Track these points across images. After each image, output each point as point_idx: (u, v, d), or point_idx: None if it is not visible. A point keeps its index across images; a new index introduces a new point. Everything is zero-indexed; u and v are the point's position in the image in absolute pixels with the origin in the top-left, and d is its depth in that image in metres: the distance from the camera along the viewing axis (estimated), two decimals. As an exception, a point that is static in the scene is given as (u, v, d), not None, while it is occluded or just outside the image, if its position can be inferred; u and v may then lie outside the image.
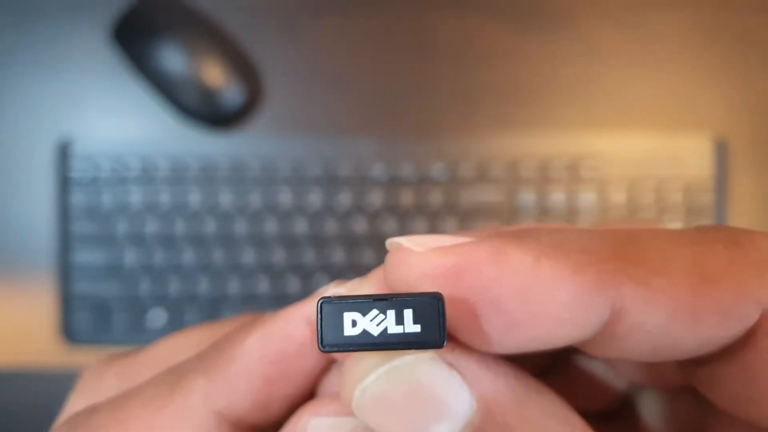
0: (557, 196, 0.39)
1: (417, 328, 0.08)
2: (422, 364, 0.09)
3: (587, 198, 0.39)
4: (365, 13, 0.41)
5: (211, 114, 0.39)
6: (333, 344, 0.09)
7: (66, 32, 0.41)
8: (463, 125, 0.41)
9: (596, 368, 0.12)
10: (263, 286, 0.39)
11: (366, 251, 0.39)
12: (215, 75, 0.39)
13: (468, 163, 0.39)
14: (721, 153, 0.40)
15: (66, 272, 0.39)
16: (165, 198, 0.39)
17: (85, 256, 0.39)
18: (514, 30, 0.41)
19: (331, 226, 0.39)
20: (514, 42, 0.41)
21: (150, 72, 0.39)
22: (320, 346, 0.09)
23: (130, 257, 0.39)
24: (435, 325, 0.08)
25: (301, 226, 0.39)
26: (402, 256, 0.09)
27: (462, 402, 0.08)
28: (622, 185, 0.39)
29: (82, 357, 0.40)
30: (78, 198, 0.39)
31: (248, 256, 0.39)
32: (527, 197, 0.39)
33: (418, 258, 0.09)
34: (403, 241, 0.09)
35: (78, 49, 0.41)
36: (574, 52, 0.41)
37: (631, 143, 0.40)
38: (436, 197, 0.39)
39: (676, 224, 0.39)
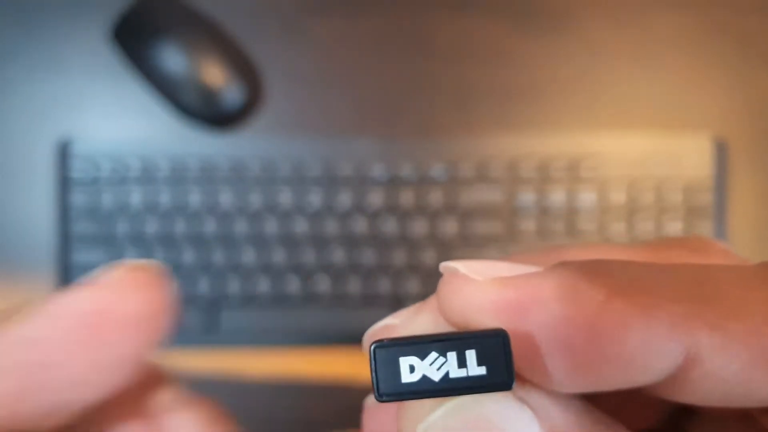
0: (557, 196, 0.39)
1: (482, 371, 0.08)
2: (491, 400, 0.08)
3: (587, 198, 0.39)
4: (365, 13, 0.42)
5: (211, 114, 0.39)
6: (391, 393, 0.08)
7: (66, 32, 0.41)
8: (463, 125, 0.41)
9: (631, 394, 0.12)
10: (263, 285, 0.39)
11: (366, 251, 0.39)
12: (215, 75, 0.39)
13: (468, 163, 0.39)
14: (721, 153, 0.40)
15: (66, 272, 0.39)
16: (165, 198, 0.39)
17: (85, 256, 0.39)
18: (513, 30, 0.42)
19: (331, 226, 0.39)
20: (514, 42, 0.42)
21: (150, 72, 0.39)
22: (377, 396, 0.08)
23: (130, 257, 0.39)
24: (502, 366, 0.08)
25: (301, 226, 0.39)
26: (458, 285, 0.08)
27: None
28: (622, 185, 0.40)
29: None
30: (78, 198, 0.39)
31: (248, 256, 0.39)
32: (527, 197, 0.39)
33: (478, 289, 0.08)
34: (460, 267, 0.09)
35: (78, 49, 0.41)
36: (573, 52, 0.42)
37: (630, 143, 0.40)
38: (435, 197, 0.39)
39: (675, 224, 0.39)
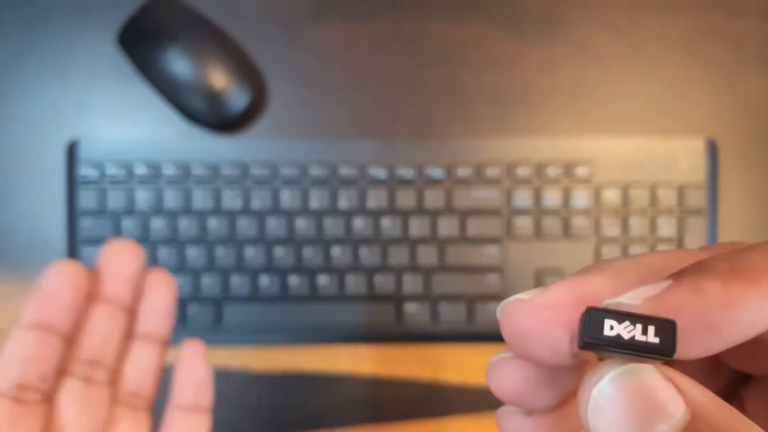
0: (553, 199, 0.40)
1: (656, 340, 0.11)
2: (646, 372, 0.11)
3: (582, 200, 0.40)
4: (365, 20, 0.42)
5: (215, 117, 0.40)
6: (593, 340, 0.11)
7: (73, 37, 0.41)
8: (461, 128, 0.42)
9: (701, 361, 0.14)
10: (266, 284, 0.39)
11: (366, 250, 0.40)
12: (220, 79, 0.39)
13: (466, 165, 0.40)
14: (713, 155, 0.40)
15: None
16: (170, 199, 0.39)
17: (93, 256, 0.39)
18: (510, 36, 0.42)
19: (332, 226, 0.40)
20: (511, 48, 0.42)
21: (156, 76, 0.40)
22: (582, 342, 0.11)
23: None
24: (670, 339, 0.11)
25: (303, 226, 0.40)
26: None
27: (678, 407, 0.10)
28: (617, 187, 0.40)
29: None
30: (85, 198, 0.40)
31: (251, 255, 0.39)
32: (524, 199, 0.40)
33: (643, 310, 0.11)
34: (624, 299, 0.11)
35: (85, 54, 0.41)
36: (569, 57, 0.42)
37: (625, 145, 0.40)
38: (435, 198, 0.40)
39: (670, 226, 0.40)
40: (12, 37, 0.41)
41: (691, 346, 0.11)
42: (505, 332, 0.13)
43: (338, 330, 0.40)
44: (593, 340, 0.11)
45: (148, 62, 0.40)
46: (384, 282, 0.40)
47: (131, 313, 0.23)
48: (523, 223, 0.40)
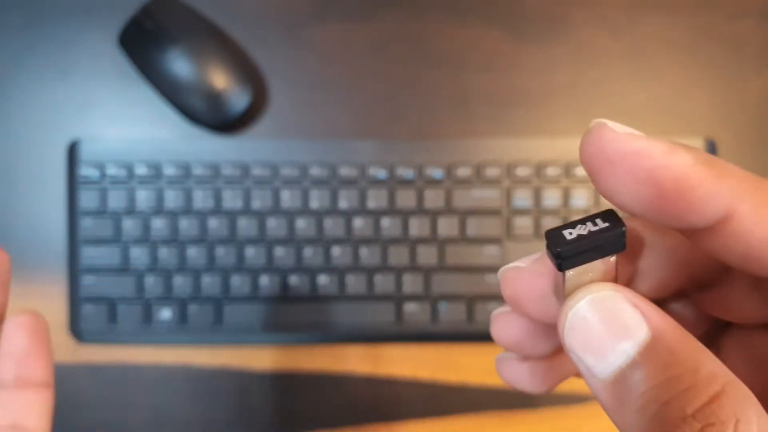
0: (553, 199, 0.40)
1: (606, 225, 0.12)
2: (615, 298, 0.12)
3: (582, 200, 0.40)
4: (365, 21, 0.42)
5: (216, 117, 0.40)
6: (563, 247, 0.12)
7: (75, 37, 0.42)
8: (461, 129, 0.42)
9: (683, 310, 0.16)
10: (266, 284, 0.40)
11: (366, 251, 0.40)
12: (220, 80, 0.39)
13: (465, 165, 0.40)
14: (712, 154, 0.40)
15: (74, 271, 0.40)
16: (171, 199, 0.40)
17: (94, 255, 0.40)
18: (510, 37, 0.42)
19: (332, 226, 0.40)
20: (510, 48, 0.42)
21: (157, 76, 0.40)
22: (554, 253, 0.12)
23: (137, 257, 0.40)
24: (616, 221, 0.13)
25: (303, 226, 0.40)
26: (603, 131, 0.12)
27: (641, 329, 0.12)
28: None
29: (90, 355, 0.41)
30: (86, 198, 0.40)
31: (252, 255, 0.40)
32: (523, 200, 0.40)
33: (617, 136, 0.12)
34: (609, 122, 0.12)
35: (86, 54, 0.42)
36: (568, 57, 0.42)
37: None
38: (434, 198, 0.40)
39: None
40: (13, 38, 0.42)
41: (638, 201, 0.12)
42: (505, 294, 0.15)
43: (338, 330, 0.40)
44: (563, 247, 0.12)
45: (149, 63, 0.40)
46: (384, 282, 0.40)
47: None
48: (523, 223, 0.40)
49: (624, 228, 0.12)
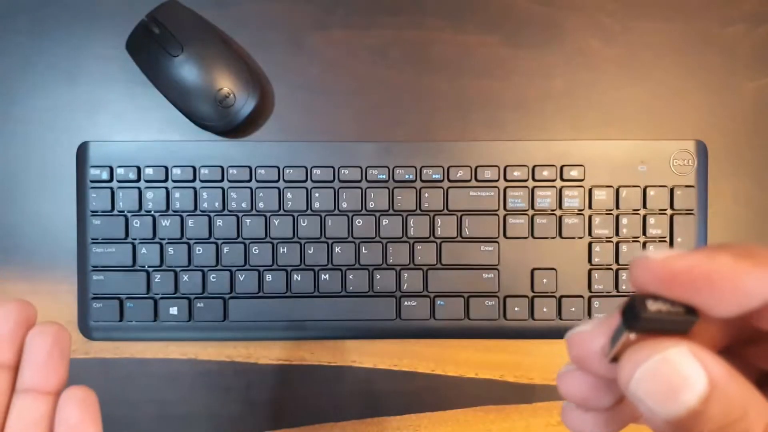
0: (546, 200, 0.40)
1: (682, 309, 0.14)
2: (681, 355, 0.13)
3: (575, 201, 0.40)
4: (367, 28, 0.42)
5: (222, 121, 0.40)
6: (645, 314, 0.14)
7: (83, 42, 0.42)
8: (459, 132, 0.42)
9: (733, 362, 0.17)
10: (270, 283, 0.40)
11: (367, 250, 0.40)
12: (226, 84, 0.39)
13: (463, 167, 0.40)
14: (703, 157, 0.40)
15: (84, 270, 0.40)
16: (177, 200, 0.40)
17: (103, 255, 0.40)
18: (506, 43, 0.42)
19: (334, 226, 0.40)
20: (507, 55, 0.42)
21: (163, 81, 0.40)
22: (629, 323, 0.14)
23: (145, 255, 0.40)
24: (694, 312, 0.14)
25: (306, 227, 0.40)
26: (645, 262, 0.15)
27: (700, 380, 0.13)
28: (609, 189, 0.40)
29: (98, 351, 0.41)
30: (96, 199, 0.40)
31: (257, 256, 0.40)
32: (518, 201, 0.40)
33: (662, 265, 0.14)
34: (650, 254, 0.14)
35: (95, 59, 0.42)
36: (562, 63, 0.42)
37: (616, 149, 0.40)
38: (433, 199, 0.40)
39: (660, 226, 0.40)
40: (23, 43, 0.41)
41: (710, 303, 0.14)
42: (571, 355, 0.16)
43: (340, 325, 0.40)
44: (638, 321, 0.14)
45: (156, 67, 0.40)
46: (384, 279, 0.40)
47: (11, 369, 0.21)
48: (518, 223, 0.40)
49: (697, 319, 0.14)
